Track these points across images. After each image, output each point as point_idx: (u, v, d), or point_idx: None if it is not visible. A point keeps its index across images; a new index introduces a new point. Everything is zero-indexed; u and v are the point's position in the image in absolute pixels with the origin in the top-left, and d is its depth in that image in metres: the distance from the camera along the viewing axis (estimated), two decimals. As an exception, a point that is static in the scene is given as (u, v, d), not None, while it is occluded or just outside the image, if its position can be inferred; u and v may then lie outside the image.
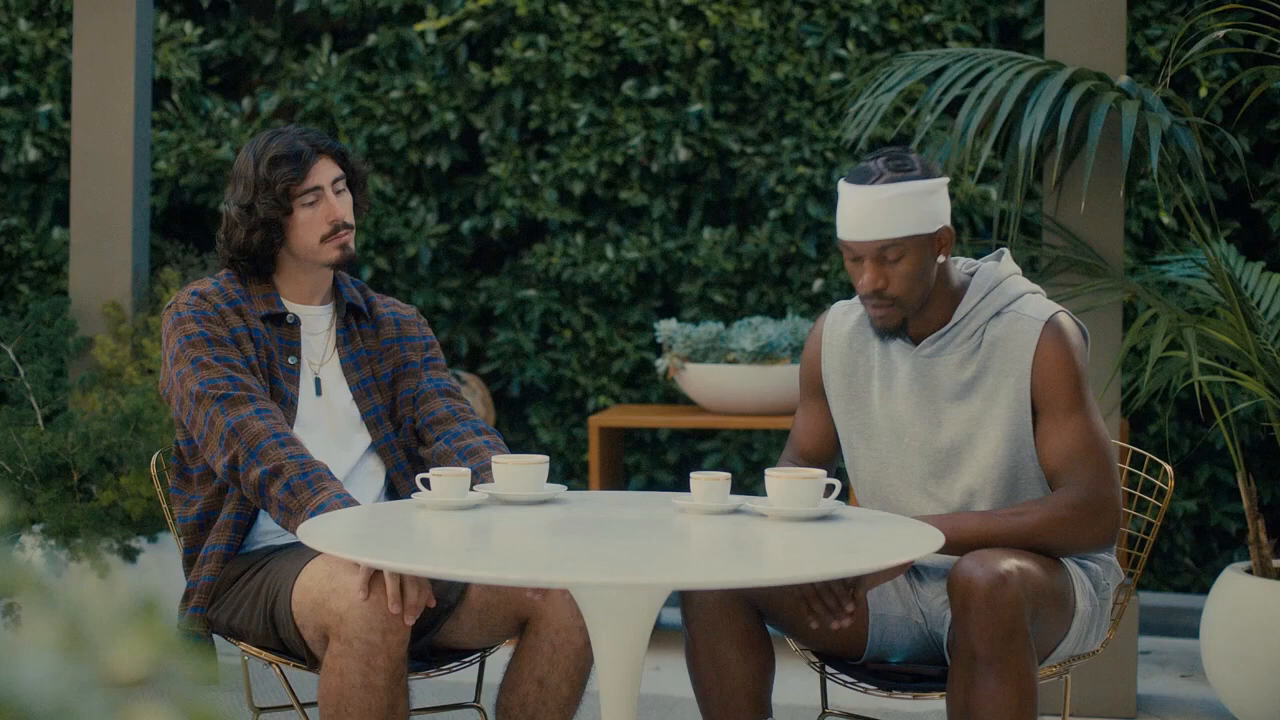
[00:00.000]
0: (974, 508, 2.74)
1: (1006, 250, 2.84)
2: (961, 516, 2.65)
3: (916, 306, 2.71)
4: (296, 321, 2.95)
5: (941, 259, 2.70)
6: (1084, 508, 2.65)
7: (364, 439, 2.96)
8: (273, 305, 2.94)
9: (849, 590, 2.60)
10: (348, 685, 2.55)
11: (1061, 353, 2.69)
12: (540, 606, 2.74)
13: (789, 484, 2.55)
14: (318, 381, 2.95)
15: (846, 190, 2.67)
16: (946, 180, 2.71)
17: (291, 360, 2.93)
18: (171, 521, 2.99)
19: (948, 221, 2.70)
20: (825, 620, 2.61)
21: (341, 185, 2.93)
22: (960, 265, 2.82)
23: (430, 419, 2.98)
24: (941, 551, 2.51)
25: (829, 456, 2.92)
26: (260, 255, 2.91)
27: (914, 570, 2.85)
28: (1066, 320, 2.73)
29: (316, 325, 2.99)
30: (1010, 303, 2.74)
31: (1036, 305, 2.74)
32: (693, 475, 2.65)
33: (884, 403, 2.79)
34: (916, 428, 2.77)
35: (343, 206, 2.92)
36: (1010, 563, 2.55)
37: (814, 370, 2.90)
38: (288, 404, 2.90)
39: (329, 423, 2.94)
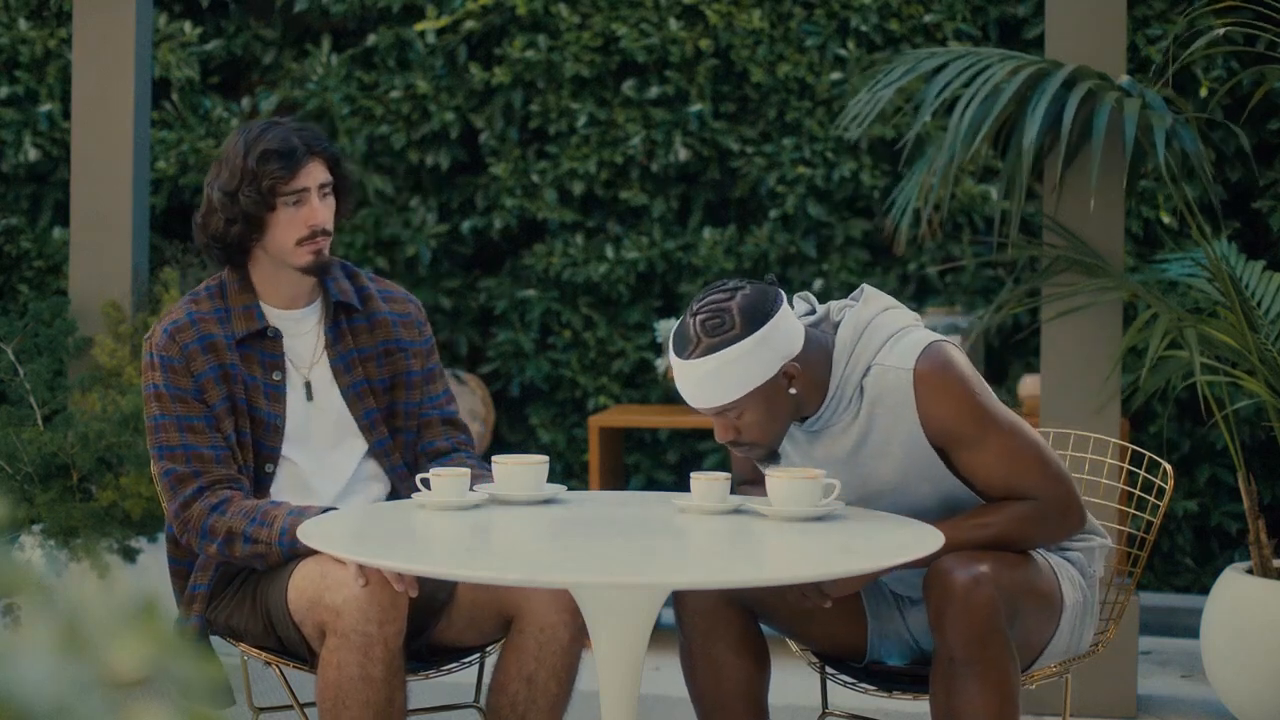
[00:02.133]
0: None
1: (866, 287, 2.69)
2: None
3: (781, 437, 2.61)
4: (277, 335, 2.88)
5: (794, 390, 2.55)
6: (1045, 514, 2.61)
7: (361, 444, 2.91)
8: (252, 320, 2.86)
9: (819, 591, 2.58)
10: (345, 678, 2.55)
11: (942, 394, 2.54)
12: (523, 605, 2.73)
13: (789, 484, 2.55)
14: (308, 386, 2.89)
15: (671, 358, 2.56)
16: (777, 315, 2.52)
17: (276, 376, 2.86)
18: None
19: (793, 353, 2.53)
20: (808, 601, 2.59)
21: (328, 190, 2.85)
22: (831, 315, 2.67)
23: (430, 449, 2.95)
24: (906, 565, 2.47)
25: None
26: (235, 248, 2.84)
27: (898, 597, 2.84)
28: (935, 353, 2.56)
29: (301, 328, 2.92)
30: (875, 354, 2.58)
31: (900, 352, 2.56)
32: (693, 475, 2.64)
33: (820, 458, 2.69)
34: (847, 478, 2.66)
35: (324, 212, 2.83)
36: (986, 564, 2.52)
37: None
38: (270, 429, 2.84)
39: (322, 430, 2.89)
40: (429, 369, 3.00)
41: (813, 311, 2.70)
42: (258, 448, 2.84)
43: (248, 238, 2.83)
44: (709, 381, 2.51)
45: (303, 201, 2.81)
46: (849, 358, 2.59)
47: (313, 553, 2.59)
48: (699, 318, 2.52)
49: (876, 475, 2.64)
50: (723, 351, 2.49)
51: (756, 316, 2.51)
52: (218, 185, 2.82)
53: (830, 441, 2.64)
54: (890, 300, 2.67)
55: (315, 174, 2.83)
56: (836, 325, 2.65)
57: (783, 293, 2.58)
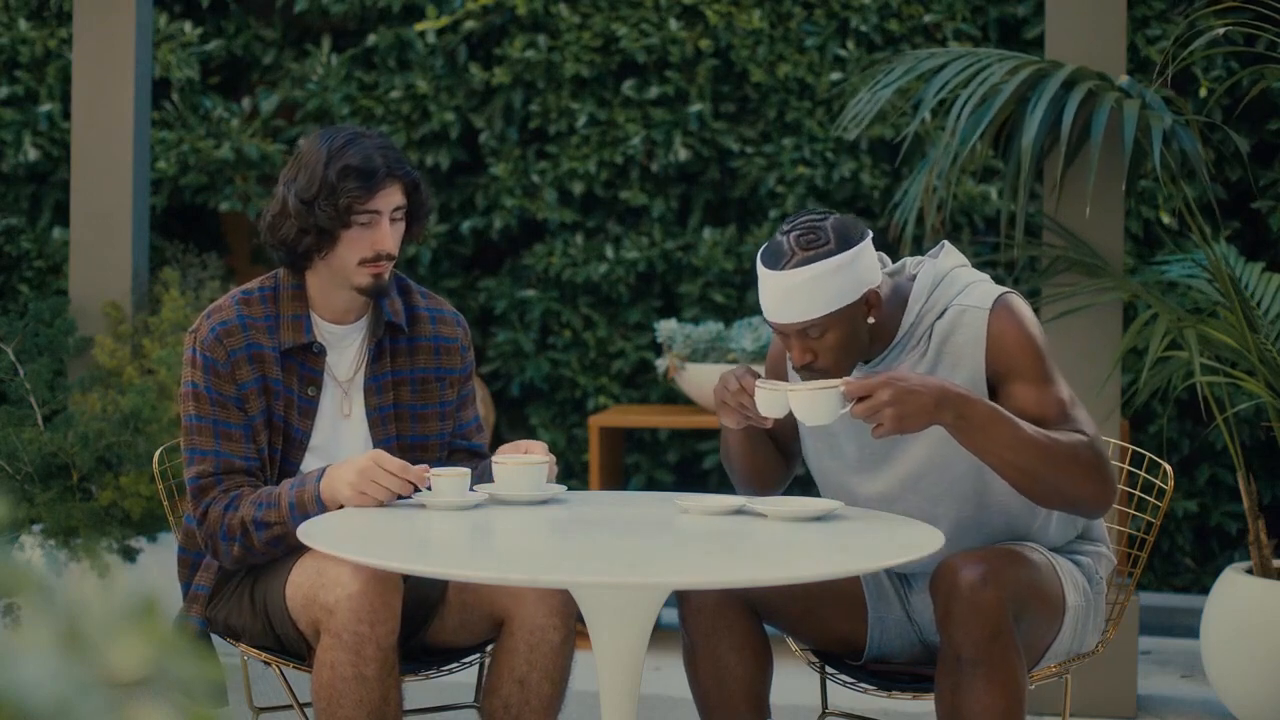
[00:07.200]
0: (938, 510, 2.70)
1: (946, 243, 2.77)
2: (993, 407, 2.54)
3: (851, 368, 2.64)
4: (322, 351, 2.84)
5: (873, 320, 2.62)
6: (1096, 454, 2.57)
7: None
8: (300, 333, 2.82)
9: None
10: (339, 678, 2.56)
11: (1013, 328, 2.61)
12: (512, 607, 2.72)
13: (809, 394, 2.52)
14: (349, 400, 2.86)
15: (761, 272, 2.60)
16: (866, 242, 2.60)
17: (311, 391, 2.83)
18: (174, 519, 2.99)
19: (875, 282, 2.60)
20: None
21: (400, 215, 2.79)
22: (907, 268, 2.75)
23: None
24: (954, 427, 2.48)
25: (794, 440, 2.87)
26: (300, 254, 2.79)
27: (904, 578, 2.84)
28: (1013, 299, 2.65)
29: (345, 342, 2.88)
30: (954, 297, 2.66)
31: (979, 294, 2.65)
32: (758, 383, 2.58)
33: (845, 419, 2.72)
34: (877, 443, 2.70)
35: (392, 238, 2.77)
36: (993, 563, 2.52)
37: (779, 369, 2.86)
38: (295, 444, 2.82)
39: (353, 448, 2.85)
40: (463, 395, 2.98)
41: (885, 265, 2.76)
42: (282, 463, 2.82)
43: (315, 248, 2.78)
44: (801, 293, 2.55)
45: (373, 224, 2.75)
46: (925, 300, 2.67)
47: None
48: (794, 234, 2.58)
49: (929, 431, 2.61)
50: (817, 264, 2.55)
51: (849, 237, 2.58)
52: (295, 190, 2.75)
53: None
54: (965, 259, 2.77)
55: (391, 197, 2.76)
56: (913, 278, 2.73)
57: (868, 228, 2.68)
